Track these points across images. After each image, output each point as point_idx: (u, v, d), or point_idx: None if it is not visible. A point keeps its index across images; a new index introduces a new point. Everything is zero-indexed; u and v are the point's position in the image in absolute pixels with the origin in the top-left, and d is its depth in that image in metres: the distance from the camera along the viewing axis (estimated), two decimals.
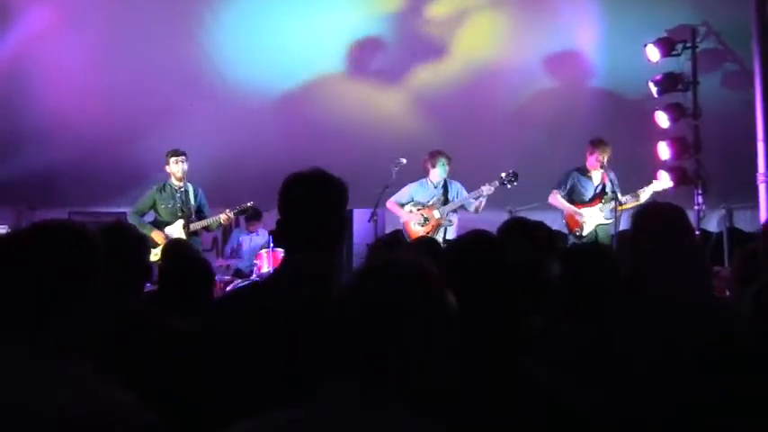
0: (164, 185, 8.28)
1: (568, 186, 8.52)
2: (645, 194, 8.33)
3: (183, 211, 8.19)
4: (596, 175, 8.47)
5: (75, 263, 1.90)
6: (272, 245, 9.07)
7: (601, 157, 8.24)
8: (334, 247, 2.53)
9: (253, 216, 9.77)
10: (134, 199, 8.59)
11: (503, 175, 8.38)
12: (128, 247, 3.01)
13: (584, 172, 8.51)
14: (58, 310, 1.87)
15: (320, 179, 2.53)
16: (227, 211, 8.30)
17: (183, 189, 8.23)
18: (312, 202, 2.49)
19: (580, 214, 8.40)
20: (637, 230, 3.04)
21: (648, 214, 3.11)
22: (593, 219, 8.41)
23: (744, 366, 2.53)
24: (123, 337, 2.64)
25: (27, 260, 1.87)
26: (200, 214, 8.31)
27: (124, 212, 8.59)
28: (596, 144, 8.31)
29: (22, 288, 1.85)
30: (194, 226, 8.18)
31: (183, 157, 8.19)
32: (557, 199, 8.56)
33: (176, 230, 8.07)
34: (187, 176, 8.28)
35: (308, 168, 2.54)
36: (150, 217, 8.40)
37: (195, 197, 8.30)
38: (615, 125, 9.74)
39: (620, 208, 8.09)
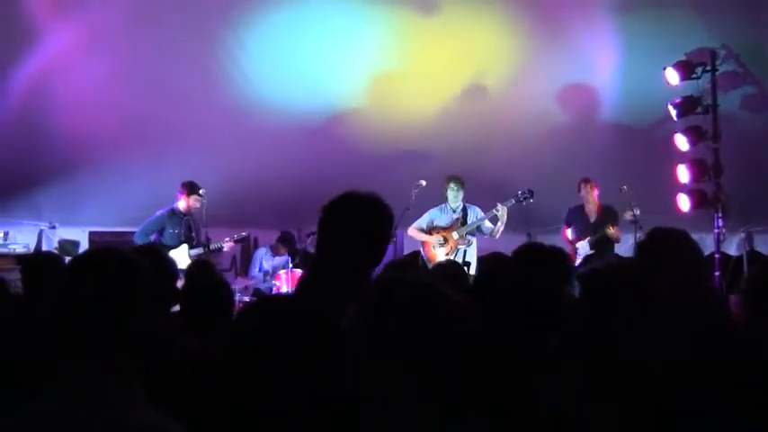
0: (173, 211, 8.52)
1: (570, 222, 9.14)
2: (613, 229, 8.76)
3: (186, 237, 8.54)
4: (591, 211, 8.92)
5: (134, 287, 1.95)
6: (290, 265, 9.15)
7: (585, 197, 8.91)
8: (369, 270, 2.52)
9: (285, 241, 9.89)
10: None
11: (518, 192, 8.51)
12: (162, 270, 3.05)
13: (579, 209, 9.02)
14: (120, 335, 1.92)
15: (370, 205, 2.51)
16: (227, 239, 8.79)
17: (187, 217, 8.55)
18: (366, 224, 2.49)
19: (575, 249, 8.77)
20: (646, 253, 3.13)
21: (658, 238, 3.21)
22: (582, 250, 8.79)
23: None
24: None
25: (95, 286, 1.91)
26: (199, 240, 8.68)
27: None
28: (580, 183, 8.96)
29: (90, 314, 1.89)
30: (202, 249, 8.49)
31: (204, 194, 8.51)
32: (565, 235, 9.19)
33: (181, 255, 8.25)
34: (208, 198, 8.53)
35: (365, 190, 2.53)
36: None
37: (195, 225, 8.65)
38: (634, 148, 9.75)
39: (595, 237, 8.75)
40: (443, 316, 1.74)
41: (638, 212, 8.45)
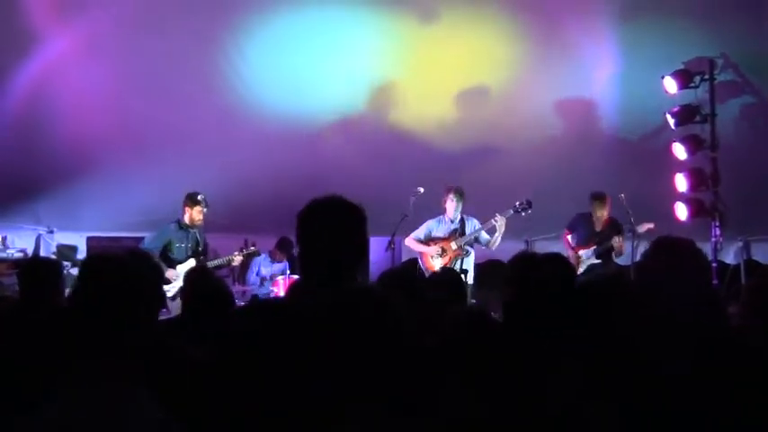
0: (179, 224, 8.39)
1: (574, 227, 9.08)
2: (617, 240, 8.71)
3: (194, 251, 8.41)
4: (598, 221, 8.87)
5: (131, 291, 1.96)
6: (288, 271, 9.15)
7: (595, 212, 8.78)
8: (352, 274, 2.54)
9: (284, 247, 9.84)
10: (154, 225, 8.63)
11: (516, 203, 8.48)
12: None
13: (586, 216, 8.93)
14: (118, 337, 1.93)
15: (337, 206, 2.55)
16: (236, 253, 8.65)
17: (194, 230, 8.41)
18: (330, 229, 2.51)
19: (576, 257, 8.74)
20: (651, 261, 3.14)
21: (663, 246, 3.21)
22: (586, 259, 8.81)
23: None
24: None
25: (94, 290, 1.93)
26: (205, 254, 8.58)
27: (142, 237, 8.63)
28: (592, 198, 8.81)
29: (89, 317, 1.91)
30: (210, 264, 8.38)
31: (206, 203, 8.38)
32: (566, 240, 9.10)
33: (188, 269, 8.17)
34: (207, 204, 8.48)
35: (324, 195, 2.55)
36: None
37: (202, 238, 8.50)
38: (632, 157, 9.77)
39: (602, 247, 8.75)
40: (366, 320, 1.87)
41: (632, 220, 8.49)
